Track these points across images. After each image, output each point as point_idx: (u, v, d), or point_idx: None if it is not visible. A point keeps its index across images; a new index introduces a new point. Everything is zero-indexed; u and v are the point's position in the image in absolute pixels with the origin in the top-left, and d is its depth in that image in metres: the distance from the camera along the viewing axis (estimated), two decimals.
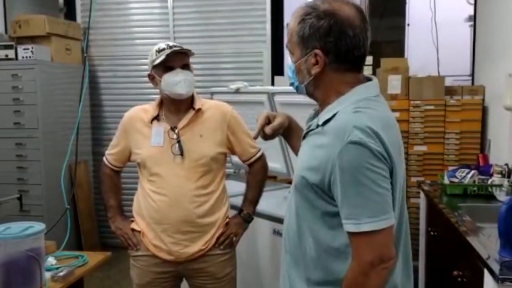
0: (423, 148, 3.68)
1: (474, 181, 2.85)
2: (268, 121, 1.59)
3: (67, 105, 4.37)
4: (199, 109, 2.12)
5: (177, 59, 2.06)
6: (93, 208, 4.72)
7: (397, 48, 4.70)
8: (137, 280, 2.19)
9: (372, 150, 1.15)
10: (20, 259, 1.91)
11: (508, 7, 3.22)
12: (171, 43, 2.09)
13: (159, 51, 2.05)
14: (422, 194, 3.23)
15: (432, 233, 2.84)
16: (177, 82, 2.04)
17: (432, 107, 3.66)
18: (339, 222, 1.21)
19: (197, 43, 4.60)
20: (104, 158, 2.30)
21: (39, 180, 4.08)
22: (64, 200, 3.84)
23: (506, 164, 2.83)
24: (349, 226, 1.18)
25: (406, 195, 1.36)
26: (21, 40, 4.22)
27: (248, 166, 2.30)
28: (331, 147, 1.19)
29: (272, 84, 4.31)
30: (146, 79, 2.17)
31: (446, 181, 2.95)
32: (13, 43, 4.11)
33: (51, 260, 2.21)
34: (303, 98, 2.81)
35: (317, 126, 1.29)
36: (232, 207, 2.32)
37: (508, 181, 2.73)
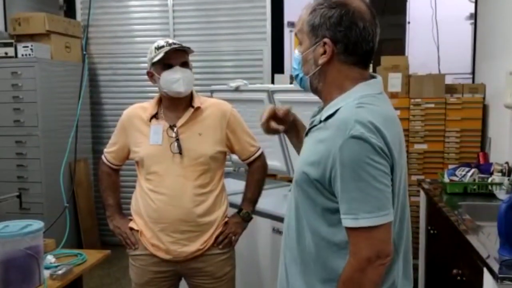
0: (423, 146, 3.68)
1: (474, 180, 2.85)
2: (275, 115, 1.57)
3: (67, 103, 4.37)
4: (198, 108, 2.11)
5: (176, 57, 2.05)
6: (93, 206, 4.72)
7: (397, 46, 4.69)
8: (135, 280, 2.18)
9: (373, 145, 1.14)
10: (18, 258, 1.91)
11: (509, 5, 3.21)
12: (170, 41, 2.08)
13: (158, 48, 2.04)
14: (422, 193, 3.22)
15: (431, 231, 2.84)
16: (176, 80, 2.03)
17: (432, 105, 3.66)
18: (339, 219, 1.21)
19: (197, 41, 4.59)
20: (102, 156, 2.29)
21: (39, 178, 4.07)
22: (63, 198, 3.84)
23: (507, 163, 2.82)
24: (348, 221, 1.17)
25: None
26: (20, 37, 4.22)
27: (247, 165, 2.29)
28: (332, 141, 1.18)
29: (272, 82, 4.30)
30: (146, 77, 2.15)
31: (446, 179, 2.94)
32: (12, 40, 4.10)
33: (50, 258, 2.21)
34: (303, 96, 2.81)
35: (320, 122, 1.29)
36: (232, 205, 2.32)
37: (509, 179, 2.72)
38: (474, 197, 2.76)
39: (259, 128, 3.41)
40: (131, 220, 2.19)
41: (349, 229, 1.18)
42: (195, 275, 2.15)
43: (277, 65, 4.58)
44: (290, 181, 2.72)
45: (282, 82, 3.96)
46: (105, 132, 4.82)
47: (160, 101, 2.16)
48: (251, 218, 2.26)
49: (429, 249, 3.04)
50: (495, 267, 1.71)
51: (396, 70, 3.70)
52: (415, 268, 2.79)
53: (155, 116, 2.12)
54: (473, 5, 4.17)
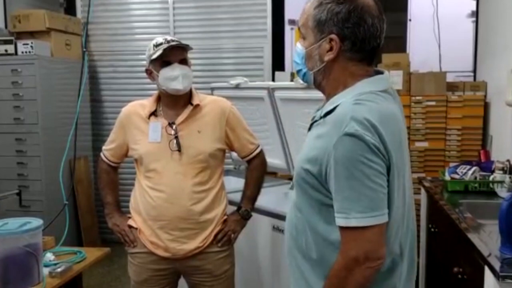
0: (424, 144, 3.66)
1: (476, 178, 2.83)
2: None
3: (67, 101, 4.36)
4: (197, 105, 2.10)
5: (174, 54, 2.04)
6: (93, 204, 4.72)
7: (398, 43, 4.68)
8: (134, 277, 2.18)
9: (368, 144, 1.12)
10: (17, 255, 1.91)
11: (511, 3, 3.19)
12: (169, 38, 2.07)
13: (157, 45, 2.03)
14: (422, 190, 3.21)
15: (432, 229, 2.83)
16: (174, 77, 2.02)
17: (433, 103, 3.64)
18: (334, 217, 1.19)
19: (197, 38, 4.58)
20: (101, 154, 2.29)
21: (39, 175, 4.07)
22: (63, 196, 3.84)
23: (508, 161, 2.81)
24: (339, 219, 1.16)
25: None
26: (20, 35, 4.21)
27: (246, 163, 2.28)
28: (329, 137, 1.17)
29: (273, 79, 4.29)
30: (147, 75, 2.14)
31: (447, 177, 2.93)
32: (12, 38, 4.09)
33: (49, 256, 2.21)
34: (303, 94, 2.81)
35: (320, 117, 1.27)
36: (232, 203, 2.31)
37: (510, 177, 2.70)
38: (475, 195, 2.74)
39: (259, 125, 3.43)
40: (130, 218, 2.19)
41: (340, 228, 1.17)
42: (194, 273, 2.14)
43: (278, 63, 4.56)
44: (290, 179, 2.71)
45: (282, 79, 3.95)
46: (105, 130, 4.81)
47: (159, 99, 2.15)
48: (251, 216, 2.26)
49: (430, 247, 3.04)
50: (496, 265, 1.70)
51: (397, 68, 3.68)
52: (416, 266, 2.78)
53: (154, 114, 2.11)
54: (474, 2, 4.15)
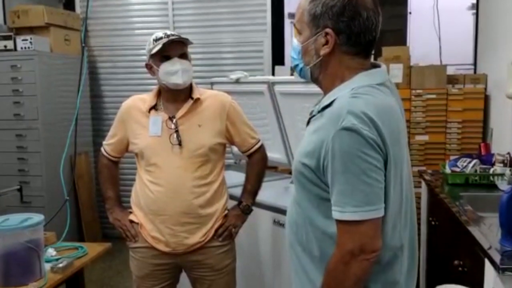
0: (425, 138, 3.66)
1: (476, 171, 2.84)
2: None
3: (67, 96, 4.35)
4: (198, 99, 2.10)
5: (174, 48, 2.03)
6: (94, 199, 4.73)
7: (398, 36, 4.66)
8: (136, 272, 2.18)
9: (365, 138, 1.12)
10: (19, 251, 1.91)
11: None
12: (168, 32, 2.07)
13: (156, 40, 2.03)
14: (423, 184, 3.22)
15: (433, 222, 2.84)
16: (174, 72, 2.02)
17: (434, 96, 3.63)
18: None
19: (197, 33, 4.57)
20: (101, 149, 2.28)
21: (39, 171, 4.07)
22: (64, 192, 3.84)
23: (508, 153, 2.81)
24: (335, 213, 1.17)
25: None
26: (20, 30, 4.20)
27: (247, 157, 2.28)
28: (326, 131, 1.17)
29: (273, 74, 4.28)
30: (146, 69, 2.14)
31: (447, 170, 2.93)
32: (11, 33, 4.08)
33: (51, 251, 2.22)
34: (303, 88, 2.80)
35: (318, 112, 1.27)
36: (233, 198, 2.31)
37: (510, 170, 2.70)
38: (476, 188, 2.75)
39: (259, 119, 3.42)
40: (131, 212, 2.19)
41: (336, 221, 1.17)
42: (195, 267, 2.15)
43: (278, 57, 4.56)
44: (291, 173, 2.71)
45: (282, 73, 3.94)
46: (106, 125, 4.81)
47: (159, 93, 2.15)
48: (251, 210, 2.26)
49: (431, 240, 3.04)
50: (497, 258, 1.71)
51: (397, 61, 3.67)
52: None
53: (154, 108, 2.11)
54: None
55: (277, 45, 4.57)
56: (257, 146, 2.24)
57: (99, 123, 4.92)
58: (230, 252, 2.20)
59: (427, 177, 3.13)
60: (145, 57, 2.14)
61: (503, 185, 2.63)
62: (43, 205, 3.98)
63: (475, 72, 4.04)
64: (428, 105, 3.64)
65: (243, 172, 2.35)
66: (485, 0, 3.89)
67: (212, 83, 3.55)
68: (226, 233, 2.15)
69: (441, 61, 4.12)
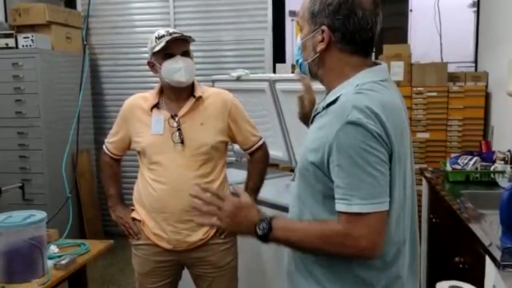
0: (426, 135, 3.67)
1: (477, 168, 2.84)
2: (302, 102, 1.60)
3: (68, 94, 4.37)
4: (200, 97, 2.10)
5: (177, 46, 2.04)
6: (96, 197, 4.74)
7: (399, 34, 4.67)
8: (138, 269, 2.19)
9: (371, 131, 1.13)
10: (22, 248, 1.92)
11: None
12: (171, 30, 2.07)
13: (159, 37, 2.03)
14: (424, 181, 3.22)
15: (434, 220, 2.84)
16: (177, 70, 2.02)
17: (435, 94, 3.64)
18: None
19: (198, 31, 4.57)
20: (103, 147, 2.29)
21: (41, 169, 4.08)
22: (66, 189, 3.85)
23: (509, 151, 2.81)
24: (340, 205, 1.17)
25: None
26: (21, 28, 4.20)
27: (249, 155, 2.29)
28: (330, 127, 1.18)
29: (274, 71, 4.29)
30: (147, 67, 2.14)
31: (448, 168, 2.93)
32: (13, 31, 4.09)
33: (53, 248, 2.22)
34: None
35: (323, 109, 1.29)
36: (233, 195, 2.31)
37: (511, 167, 2.71)
38: (477, 186, 2.76)
39: (260, 117, 3.42)
40: (133, 210, 2.20)
41: (340, 214, 1.17)
42: (198, 264, 2.16)
43: (279, 54, 4.56)
44: (292, 170, 2.72)
45: (283, 71, 3.94)
46: (107, 123, 4.82)
47: (161, 91, 2.15)
48: None
49: (431, 238, 3.05)
50: (497, 254, 1.71)
51: (398, 59, 3.68)
52: None
53: (156, 106, 2.11)
54: None
55: (278, 42, 4.57)
56: (258, 144, 2.24)
57: (100, 121, 4.93)
58: (232, 249, 2.21)
59: (428, 175, 3.13)
60: (146, 55, 2.15)
61: (503, 183, 2.64)
62: (45, 202, 3.99)
63: (476, 69, 4.04)
64: (429, 103, 3.65)
65: (245, 170, 2.35)
66: None
67: (213, 81, 3.56)
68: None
69: (442, 58, 4.12)
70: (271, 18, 4.54)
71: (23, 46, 4.03)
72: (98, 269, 4.03)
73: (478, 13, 4.09)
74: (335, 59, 1.28)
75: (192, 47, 2.14)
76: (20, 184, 3.20)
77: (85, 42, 4.59)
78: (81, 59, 4.46)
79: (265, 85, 3.16)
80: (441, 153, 3.64)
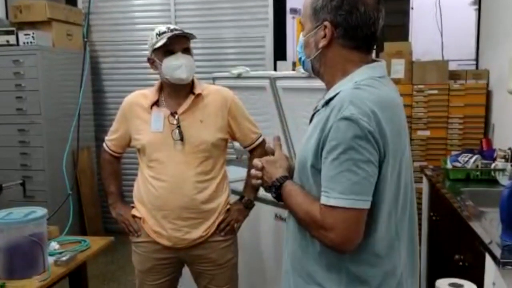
0: (426, 133, 3.66)
1: (477, 166, 2.84)
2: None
3: (69, 91, 4.37)
4: (199, 94, 2.10)
5: (178, 43, 2.03)
6: (97, 194, 4.74)
7: (401, 32, 4.66)
8: (138, 266, 2.19)
9: (362, 128, 1.13)
10: (22, 244, 1.92)
11: None
12: (172, 26, 2.07)
13: (160, 34, 2.02)
14: (424, 179, 3.22)
15: (434, 217, 2.85)
16: (178, 67, 2.02)
17: (435, 92, 3.64)
18: None
19: (199, 28, 4.56)
20: (103, 144, 2.29)
21: (42, 166, 4.09)
22: (66, 186, 3.85)
23: (510, 149, 2.81)
24: (322, 197, 1.18)
25: None
26: (22, 25, 4.21)
27: (249, 152, 2.29)
28: (326, 121, 1.19)
29: (275, 69, 4.28)
30: (148, 64, 2.14)
31: (449, 165, 2.93)
32: (14, 28, 4.09)
33: (54, 245, 2.23)
34: (305, 83, 2.80)
35: (322, 106, 1.29)
36: (235, 192, 2.32)
37: (511, 165, 2.71)
38: (477, 183, 2.75)
39: (261, 115, 3.41)
40: (133, 207, 2.20)
41: (321, 206, 1.18)
42: (198, 262, 2.16)
43: (280, 52, 4.55)
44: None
45: (284, 68, 3.94)
46: (108, 120, 4.82)
47: (161, 88, 2.15)
48: (253, 205, 2.27)
49: (432, 235, 3.05)
50: (497, 252, 1.72)
51: (399, 56, 3.67)
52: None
53: (156, 103, 2.11)
54: None
55: (279, 40, 4.57)
56: (259, 141, 2.24)
57: (101, 118, 4.93)
58: (232, 246, 2.21)
59: (428, 173, 3.13)
60: (147, 52, 2.14)
61: (504, 180, 2.64)
62: (45, 199, 4.00)
63: (476, 67, 4.03)
64: (430, 101, 3.64)
65: (244, 167, 2.35)
66: None
67: (214, 78, 3.55)
68: (228, 228, 2.16)
69: (443, 56, 4.11)
70: (272, 15, 4.53)
71: (24, 43, 4.04)
72: (99, 266, 4.03)
73: (479, 11, 4.08)
74: (337, 55, 1.28)
75: (192, 44, 2.13)
76: (21, 181, 3.19)
77: (85, 39, 4.58)
78: (82, 56, 4.46)
79: (265, 83, 3.15)
80: (442, 151, 3.64)
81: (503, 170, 2.73)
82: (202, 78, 2.42)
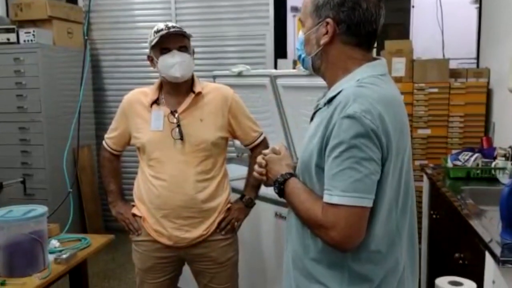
0: (427, 132, 3.66)
1: (478, 164, 2.84)
2: None
3: (70, 89, 4.37)
4: (199, 93, 2.09)
5: (174, 41, 2.02)
6: (97, 192, 4.75)
7: (401, 30, 4.66)
8: (139, 265, 2.19)
9: (365, 127, 1.13)
10: (23, 242, 1.93)
11: None
12: (170, 24, 2.05)
13: (157, 31, 2.02)
14: (425, 177, 3.22)
15: (434, 216, 2.84)
16: (172, 64, 2.00)
17: (436, 90, 3.63)
18: None
19: (199, 26, 4.57)
20: (103, 142, 2.28)
21: (42, 164, 4.10)
22: (67, 184, 3.85)
23: (510, 147, 2.81)
24: (325, 195, 1.18)
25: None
26: (22, 23, 4.21)
27: (250, 150, 2.28)
28: (330, 119, 1.19)
29: (275, 67, 4.28)
30: (149, 62, 2.13)
31: (449, 164, 2.93)
32: (14, 26, 4.09)
33: (54, 243, 2.23)
34: (306, 81, 2.80)
35: (324, 104, 1.29)
36: (235, 191, 2.32)
37: None
38: (477, 182, 2.75)
39: (261, 113, 3.41)
40: (133, 206, 2.20)
41: (324, 204, 1.18)
42: (198, 260, 2.16)
43: (280, 50, 4.55)
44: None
45: (285, 67, 3.93)
46: (108, 118, 4.81)
47: (161, 86, 2.14)
48: (254, 204, 2.26)
49: (432, 234, 3.05)
50: (497, 250, 1.72)
51: (400, 55, 3.67)
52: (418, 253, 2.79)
53: (156, 102, 2.10)
54: None
55: (279, 38, 4.56)
56: (259, 140, 2.23)
57: (101, 116, 4.93)
58: (233, 245, 2.21)
59: (429, 171, 3.13)
60: (147, 50, 2.14)
61: (504, 179, 2.64)
62: (46, 197, 4.01)
63: (477, 66, 4.03)
64: (431, 99, 3.64)
65: (245, 165, 2.35)
66: None
67: (214, 76, 3.55)
68: (228, 227, 2.15)
69: (443, 55, 4.11)
70: (272, 13, 4.53)
71: (24, 41, 4.04)
72: (99, 264, 4.04)
73: (480, 9, 4.08)
74: (338, 52, 1.28)
75: (193, 42, 2.12)
76: (22, 179, 3.20)
77: (86, 37, 4.58)
78: (82, 54, 4.46)
79: (266, 81, 3.15)
80: (442, 150, 3.64)
81: (503, 168, 2.73)
82: (202, 76, 2.41)
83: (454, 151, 3.18)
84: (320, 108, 1.32)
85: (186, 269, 2.27)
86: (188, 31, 2.07)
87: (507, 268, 1.65)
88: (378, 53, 3.73)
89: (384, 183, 1.19)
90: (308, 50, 1.33)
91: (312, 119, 1.37)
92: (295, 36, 4.36)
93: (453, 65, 3.80)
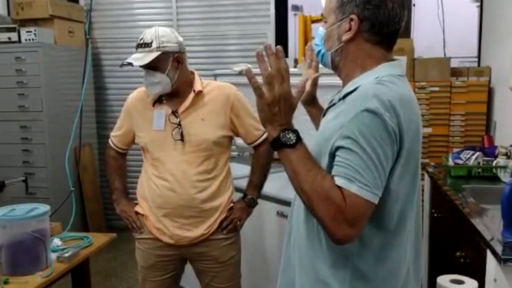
0: (428, 130, 3.66)
1: (479, 163, 2.84)
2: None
3: (71, 88, 4.37)
4: (200, 92, 2.08)
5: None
6: (99, 191, 4.76)
7: (402, 28, 4.64)
8: (141, 263, 2.20)
9: (386, 124, 1.12)
10: (25, 240, 1.93)
11: None
12: (141, 40, 2.00)
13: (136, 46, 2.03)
14: (426, 176, 3.22)
15: (435, 214, 2.85)
16: (146, 85, 2.04)
17: (437, 89, 3.63)
18: None
19: (201, 25, 4.57)
20: (109, 140, 2.30)
21: (44, 163, 4.10)
22: (69, 183, 3.86)
23: (511, 146, 2.81)
24: (341, 180, 1.12)
25: None
26: (24, 22, 4.21)
27: (253, 149, 2.28)
28: (347, 114, 1.16)
29: None
30: None
31: (450, 163, 2.93)
32: (16, 25, 4.10)
33: (56, 241, 2.24)
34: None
35: (339, 100, 1.28)
36: (237, 189, 2.32)
37: None
38: (479, 180, 2.76)
39: None
40: (137, 204, 2.20)
41: (343, 190, 1.12)
42: (200, 259, 2.17)
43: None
44: None
45: None
46: (110, 117, 4.83)
47: None
48: (256, 203, 2.26)
49: (433, 232, 3.05)
50: (498, 249, 1.72)
51: (401, 53, 3.66)
52: None
53: (158, 101, 2.11)
54: None
55: (280, 37, 4.56)
56: (263, 138, 2.19)
57: (103, 115, 4.94)
58: (235, 244, 2.21)
59: (430, 170, 3.13)
60: None
61: (505, 177, 2.64)
62: (48, 196, 4.01)
63: (479, 64, 4.03)
64: (432, 98, 3.64)
65: (246, 164, 2.35)
66: None
67: (215, 75, 3.55)
68: (230, 226, 2.15)
69: (445, 53, 4.11)
70: (274, 12, 4.53)
71: (25, 40, 4.04)
72: (101, 263, 4.05)
73: (481, 8, 4.08)
74: (359, 50, 1.27)
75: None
76: (23, 178, 3.21)
77: (87, 36, 4.58)
78: (84, 53, 4.46)
79: None
80: (444, 148, 3.64)
81: (504, 167, 2.73)
82: (203, 75, 2.41)
83: (455, 150, 3.18)
84: (334, 104, 1.31)
85: (189, 267, 2.28)
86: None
87: (509, 267, 1.65)
88: None
89: (397, 183, 1.18)
90: (328, 46, 1.32)
91: (324, 114, 1.36)
92: (296, 35, 4.35)
93: (454, 63, 3.80)
